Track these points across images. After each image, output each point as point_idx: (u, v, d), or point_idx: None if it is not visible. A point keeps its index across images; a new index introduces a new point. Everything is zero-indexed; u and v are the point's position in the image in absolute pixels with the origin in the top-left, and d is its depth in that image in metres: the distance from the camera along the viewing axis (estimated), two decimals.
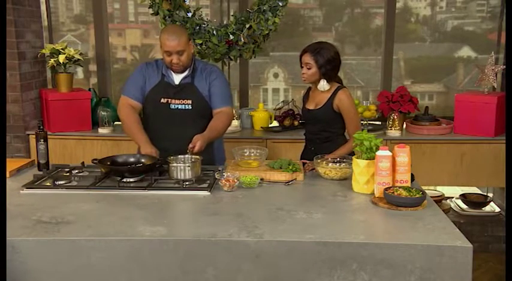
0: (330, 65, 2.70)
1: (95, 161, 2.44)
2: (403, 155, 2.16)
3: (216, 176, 2.35)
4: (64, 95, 3.69)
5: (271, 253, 1.73)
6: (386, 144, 3.50)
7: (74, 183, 2.36)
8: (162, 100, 2.70)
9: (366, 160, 2.23)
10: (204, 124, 2.68)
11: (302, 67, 2.76)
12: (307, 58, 2.71)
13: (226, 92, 2.77)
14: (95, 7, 4.09)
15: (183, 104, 2.69)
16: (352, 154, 2.53)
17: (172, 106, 2.69)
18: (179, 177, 2.33)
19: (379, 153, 2.15)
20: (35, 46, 3.79)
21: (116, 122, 3.87)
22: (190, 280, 1.75)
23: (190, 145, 2.45)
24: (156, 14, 3.58)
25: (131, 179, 2.35)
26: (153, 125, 2.74)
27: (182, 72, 2.70)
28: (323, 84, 2.73)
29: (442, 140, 3.62)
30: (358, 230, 1.85)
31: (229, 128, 2.96)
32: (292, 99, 3.97)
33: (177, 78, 2.72)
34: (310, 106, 2.84)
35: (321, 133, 2.81)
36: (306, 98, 2.92)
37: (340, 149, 2.70)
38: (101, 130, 3.71)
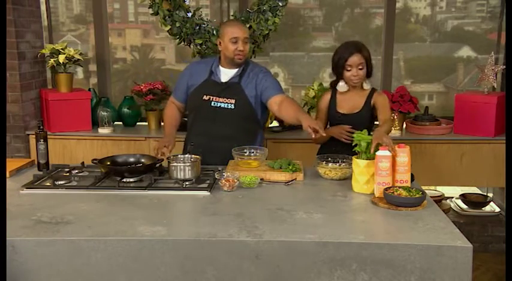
0: (371, 61, 2.70)
1: (95, 161, 2.44)
2: (403, 155, 2.16)
3: (216, 176, 2.35)
4: (64, 95, 3.69)
5: (271, 253, 1.73)
6: None
7: (74, 183, 2.36)
8: (205, 97, 2.73)
9: (366, 160, 2.23)
10: (244, 126, 2.73)
11: (349, 70, 2.66)
12: (360, 58, 2.65)
13: (277, 83, 2.76)
14: (95, 7, 4.08)
15: (226, 102, 2.70)
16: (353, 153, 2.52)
17: (213, 103, 2.71)
18: (179, 177, 2.33)
19: (379, 153, 2.15)
20: (35, 46, 3.79)
21: (115, 122, 3.88)
22: (190, 280, 1.75)
23: (312, 129, 2.33)
24: (156, 14, 3.58)
25: (131, 179, 2.36)
26: (194, 121, 2.81)
27: (240, 65, 2.72)
28: (368, 83, 2.75)
29: (442, 140, 3.62)
30: (358, 230, 1.85)
31: None
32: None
33: (224, 77, 2.74)
34: (344, 110, 2.77)
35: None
36: (333, 102, 2.81)
37: (383, 126, 2.58)
38: (101, 130, 3.71)
